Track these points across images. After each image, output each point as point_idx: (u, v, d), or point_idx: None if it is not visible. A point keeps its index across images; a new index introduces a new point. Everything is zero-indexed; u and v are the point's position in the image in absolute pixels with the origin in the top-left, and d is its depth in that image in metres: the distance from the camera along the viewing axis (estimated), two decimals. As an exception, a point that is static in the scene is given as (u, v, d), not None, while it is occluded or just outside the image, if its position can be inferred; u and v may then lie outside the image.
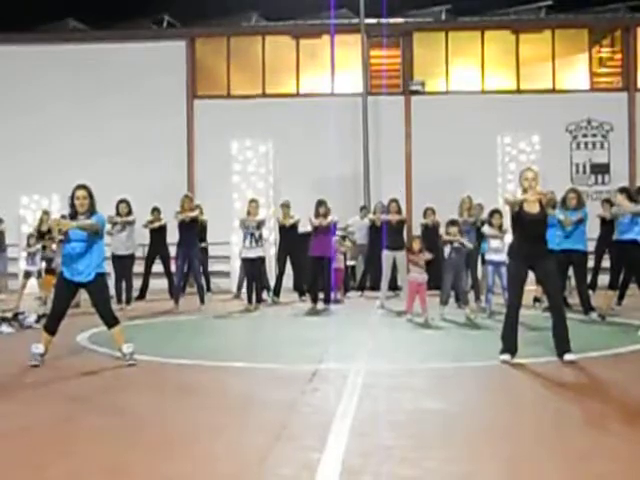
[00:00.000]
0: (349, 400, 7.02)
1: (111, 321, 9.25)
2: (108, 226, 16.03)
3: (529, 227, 8.99)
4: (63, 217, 18.42)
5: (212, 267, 19.56)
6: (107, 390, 7.96)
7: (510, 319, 9.08)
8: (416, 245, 14.09)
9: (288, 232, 17.57)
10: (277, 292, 17.87)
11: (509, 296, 9.36)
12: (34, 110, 24.44)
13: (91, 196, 9.28)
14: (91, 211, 9.22)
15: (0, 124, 24.62)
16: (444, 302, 14.01)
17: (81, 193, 9.24)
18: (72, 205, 9.30)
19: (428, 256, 13.97)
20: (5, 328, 12.72)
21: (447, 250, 14.31)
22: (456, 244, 14.05)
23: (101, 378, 8.62)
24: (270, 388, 7.85)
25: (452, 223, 14.46)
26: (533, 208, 9.02)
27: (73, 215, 9.29)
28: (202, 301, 16.29)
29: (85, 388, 8.01)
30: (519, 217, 9.02)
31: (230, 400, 7.35)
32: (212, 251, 19.78)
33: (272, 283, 18.13)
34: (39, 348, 9.10)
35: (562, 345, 8.87)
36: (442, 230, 15.55)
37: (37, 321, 13.11)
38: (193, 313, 15.48)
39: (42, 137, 24.31)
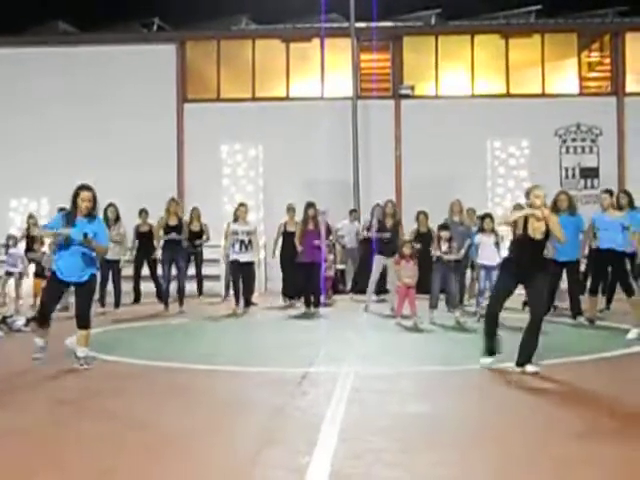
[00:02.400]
0: (338, 403, 7.04)
1: (85, 323, 9.27)
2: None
3: (529, 250, 8.82)
4: (30, 217, 18.24)
5: (202, 270, 19.45)
6: (97, 394, 7.95)
7: (489, 325, 9.02)
8: (407, 250, 14.07)
9: (291, 237, 17.09)
10: (286, 294, 17.82)
11: (490, 302, 9.28)
12: (23, 113, 24.34)
13: (94, 199, 9.31)
14: (92, 214, 9.27)
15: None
16: (433, 306, 13.92)
17: (87, 195, 9.22)
18: (74, 204, 9.22)
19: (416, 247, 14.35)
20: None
21: (434, 255, 14.20)
22: (444, 249, 13.96)
23: (90, 381, 8.61)
24: (260, 391, 7.85)
25: (443, 227, 14.43)
26: (537, 233, 8.79)
27: (71, 215, 9.21)
28: (181, 303, 16.18)
29: (74, 392, 8.00)
30: (522, 240, 8.85)
31: (220, 404, 7.36)
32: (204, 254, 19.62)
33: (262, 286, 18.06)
34: (40, 342, 9.34)
35: (524, 357, 8.67)
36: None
37: (26, 324, 13.07)
38: (183, 316, 15.44)
39: (30, 140, 24.21)
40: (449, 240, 14.12)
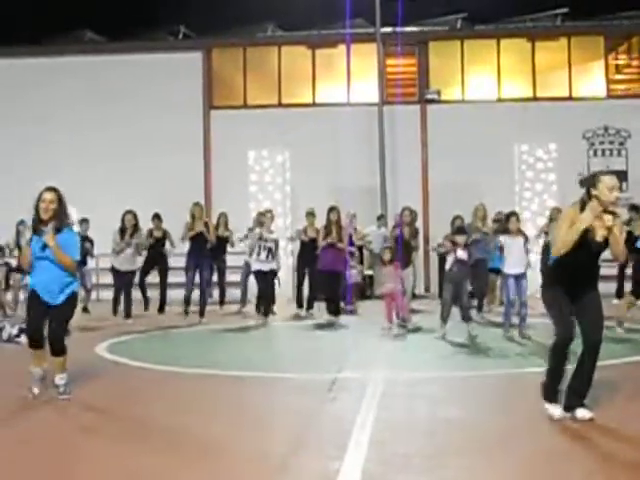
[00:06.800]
0: (368, 409, 7.04)
1: (60, 348, 7.94)
2: (114, 244, 15.88)
3: (587, 257, 6.76)
4: (20, 223, 17.49)
5: (227, 277, 19.32)
6: (125, 400, 8.00)
7: (557, 360, 6.82)
8: (386, 256, 13.74)
9: (309, 244, 16.70)
10: (300, 303, 17.24)
11: (557, 330, 6.83)
12: (50, 120, 24.45)
13: (60, 202, 7.98)
14: (59, 219, 7.93)
15: (17, 135, 24.63)
16: (444, 318, 12.65)
17: (49, 196, 7.90)
18: (36, 210, 7.93)
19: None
20: (23, 339, 12.71)
21: (449, 262, 13.04)
22: (459, 256, 12.77)
23: (119, 388, 8.66)
24: (289, 397, 7.87)
25: (459, 231, 13.31)
26: (599, 234, 6.67)
27: (35, 222, 7.95)
28: (202, 314, 15.73)
29: (103, 398, 8.04)
30: (581, 243, 6.62)
31: (249, 409, 7.37)
32: (228, 261, 19.52)
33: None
34: (37, 371, 8.07)
35: (575, 399, 6.78)
36: (440, 239, 14.89)
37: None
38: (208, 324, 15.27)
39: (56, 148, 24.32)
40: (467, 246, 12.96)
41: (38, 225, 7.90)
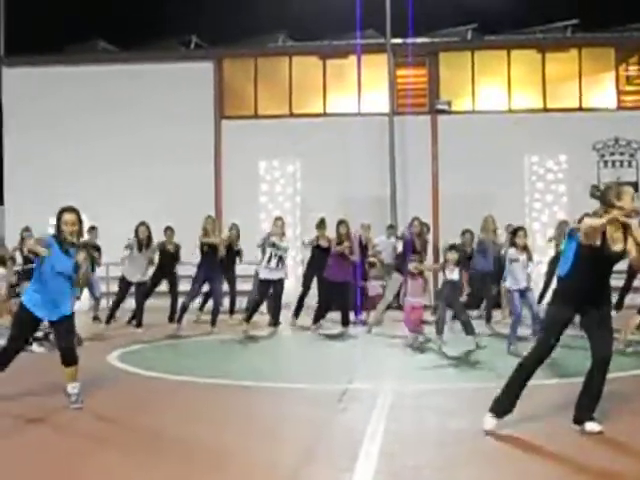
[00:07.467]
0: (378, 420, 7.07)
1: (73, 359, 8.06)
2: (126, 252, 15.90)
3: (602, 268, 6.75)
4: (26, 230, 17.22)
5: (237, 286, 19.28)
6: (136, 409, 8.05)
7: (525, 375, 7.02)
8: (415, 267, 13.59)
9: (321, 252, 16.44)
10: (297, 313, 17.04)
11: (536, 347, 7.05)
12: (60, 129, 24.56)
13: (80, 222, 8.16)
14: (79, 242, 8.18)
15: (30, 145, 24.76)
16: (439, 331, 12.55)
17: (71, 218, 8.03)
18: (59, 230, 8.00)
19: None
20: (36, 348, 12.75)
21: (440, 281, 13.19)
22: (449, 276, 12.72)
23: (130, 397, 8.71)
24: (300, 408, 7.90)
25: (452, 248, 13.27)
26: (618, 244, 6.62)
27: (59, 240, 8.01)
28: (213, 324, 15.64)
29: (114, 407, 8.10)
30: (598, 254, 6.60)
31: (259, 420, 7.40)
32: (238, 270, 19.55)
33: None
34: None
35: (584, 413, 6.83)
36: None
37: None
38: (220, 334, 15.27)
39: (67, 157, 24.40)
40: (458, 264, 12.86)
41: (63, 244, 7.98)
